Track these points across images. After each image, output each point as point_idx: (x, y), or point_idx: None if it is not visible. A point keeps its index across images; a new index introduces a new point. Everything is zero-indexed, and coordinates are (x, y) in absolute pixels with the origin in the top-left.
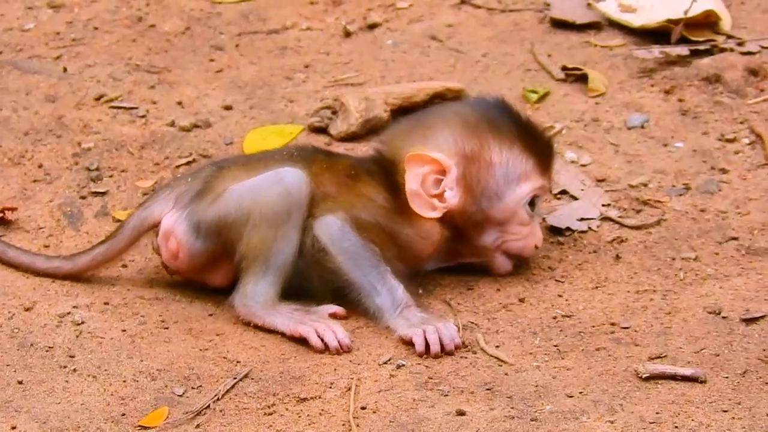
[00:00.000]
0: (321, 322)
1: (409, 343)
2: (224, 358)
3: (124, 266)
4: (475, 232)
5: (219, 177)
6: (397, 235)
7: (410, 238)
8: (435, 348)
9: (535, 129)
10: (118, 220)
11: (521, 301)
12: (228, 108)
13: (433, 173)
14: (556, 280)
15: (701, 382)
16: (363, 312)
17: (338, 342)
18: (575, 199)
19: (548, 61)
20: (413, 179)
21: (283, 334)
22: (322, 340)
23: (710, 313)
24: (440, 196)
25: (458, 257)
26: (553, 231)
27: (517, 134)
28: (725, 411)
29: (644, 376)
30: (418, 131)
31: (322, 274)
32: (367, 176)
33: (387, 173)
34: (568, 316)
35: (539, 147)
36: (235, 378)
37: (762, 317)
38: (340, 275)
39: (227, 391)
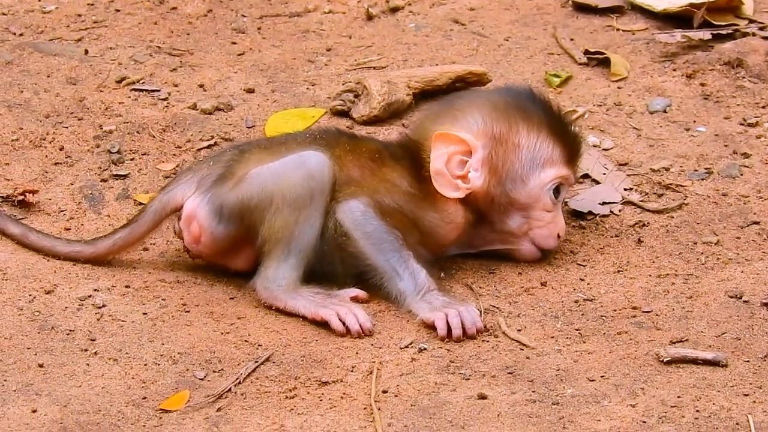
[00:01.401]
0: (343, 306)
1: (431, 327)
2: (245, 341)
3: (145, 249)
4: (498, 216)
5: (241, 160)
6: (420, 220)
7: (433, 222)
8: (457, 332)
9: (564, 119)
10: (140, 203)
11: (543, 284)
12: (250, 91)
13: (459, 153)
14: (578, 264)
15: (722, 366)
16: (385, 296)
17: (360, 326)
18: (597, 183)
19: (571, 45)
20: (438, 158)
21: (304, 318)
22: (344, 323)
23: (731, 297)
24: (464, 177)
25: (482, 244)
26: (575, 215)
27: (546, 121)
28: (746, 395)
29: (665, 360)
30: (448, 113)
31: (344, 258)
32: (391, 160)
33: (412, 157)
34: (589, 300)
35: (567, 136)
36: (256, 361)
37: None
38: (362, 260)
39: (248, 375)
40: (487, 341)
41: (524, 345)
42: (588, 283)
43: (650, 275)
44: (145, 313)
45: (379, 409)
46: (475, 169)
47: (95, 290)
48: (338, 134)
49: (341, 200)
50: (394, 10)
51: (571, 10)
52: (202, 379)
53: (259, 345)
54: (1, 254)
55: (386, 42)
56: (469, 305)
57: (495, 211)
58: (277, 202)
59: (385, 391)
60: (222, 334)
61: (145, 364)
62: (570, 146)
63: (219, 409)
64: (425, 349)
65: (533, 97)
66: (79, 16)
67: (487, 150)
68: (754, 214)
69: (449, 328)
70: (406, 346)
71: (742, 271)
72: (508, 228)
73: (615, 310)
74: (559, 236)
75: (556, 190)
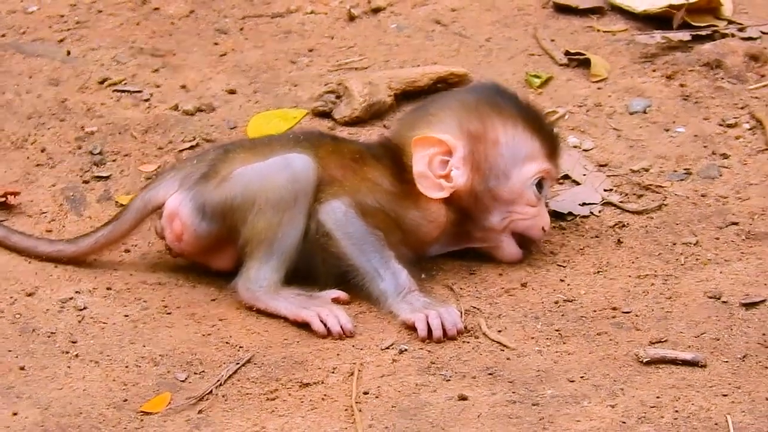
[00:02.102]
0: (324, 307)
1: (411, 328)
2: (227, 343)
3: (127, 251)
4: (482, 213)
5: (225, 160)
6: (402, 220)
7: (416, 221)
8: (437, 333)
9: (537, 113)
10: (122, 205)
11: (523, 285)
12: (232, 92)
13: (440, 154)
14: (558, 265)
15: (701, 366)
16: (366, 297)
17: (341, 327)
18: (577, 184)
19: (551, 45)
20: (420, 161)
21: (285, 319)
22: (325, 325)
23: (710, 297)
24: (447, 177)
25: (464, 242)
26: (556, 216)
27: (520, 115)
28: (725, 395)
29: (645, 360)
30: (423, 118)
31: (326, 258)
32: (373, 161)
33: (393, 158)
34: (569, 301)
35: (543, 130)
36: (237, 363)
37: (762, 302)
38: (344, 260)
39: (230, 377)
40: (468, 342)
41: (504, 346)
42: (568, 284)
43: (630, 276)
44: (127, 315)
45: (360, 411)
46: (457, 167)
47: (76, 292)
48: (321, 136)
49: (323, 201)
50: (376, 10)
51: (552, 11)
52: (183, 381)
53: (240, 347)
54: None
55: (368, 43)
56: (450, 306)
57: (478, 208)
58: (261, 203)
59: (366, 393)
60: (203, 335)
61: (126, 367)
62: (548, 140)
63: (200, 411)
64: (406, 350)
65: (502, 92)
66: (62, 17)
67: (467, 148)
68: (733, 214)
69: (430, 329)
70: (387, 348)
71: (721, 272)
72: (490, 224)
73: (595, 311)
74: (543, 229)
75: (539, 185)
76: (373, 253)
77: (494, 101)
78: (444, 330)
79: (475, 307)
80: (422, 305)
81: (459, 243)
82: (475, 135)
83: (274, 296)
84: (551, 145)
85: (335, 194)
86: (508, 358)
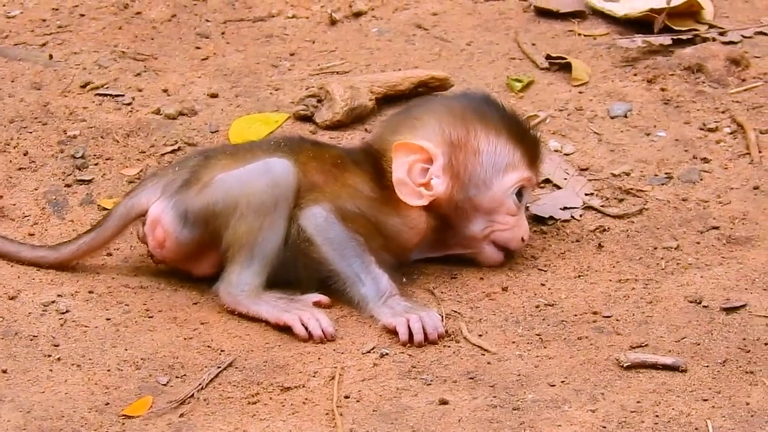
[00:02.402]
0: (305, 311)
1: (392, 332)
2: (208, 347)
3: (109, 255)
4: (462, 221)
5: (206, 166)
6: (383, 225)
7: (396, 228)
8: (418, 337)
9: (522, 122)
10: (104, 209)
11: (504, 290)
12: (214, 96)
13: (420, 162)
14: (539, 269)
15: (682, 371)
16: (347, 301)
17: (322, 330)
18: (558, 188)
19: (532, 49)
20: (400, 167)
21: (267, 323)
22: (306, 328)
23: (691, 302)
24: (427, 185)
25: (445, 248)
26: (536, 220)
27: (503, 124)
28: (705, 400)
29: (625, 365)
30: (405, 122)
31: (307, 263)
32: (353, 166)
33: (374, 163)
34: (550, 305)
35: (526, 139)
36: (219, 367)
37: (742, 306)
38: (325, 265)
39: (211, 380)
40: (449, 346)
41: (485, 350)
42: (549, 288)
43: (610, 280)
44: (109, 319)
45: (341, 415)
46: (437, 176)
47: (59, 296)
48: (301, 141)
49: (304, 206)
50: (357, 15)
51: (533, 15)
52: (164, 385)
53: (221, 350)
54: None
55: (349, 47)
56: (431, 310)
57: (458, 216)
58: (242, 208)
59: (347, 397)
60: (185, 339)
61: (108, 370)
62: (530, 149)
63: (182, 415)
64: (387, 354)
65: (489, 101)
66: (44, 20)
67: (447, 156)
68: (714, 219)
69: (411, 334)
70: (368, 352)
71: (701, 276)
72: (471, 233)
73: (575, 315)
74: (523, 239)
75: (519, 194)
76: (354, 257)
77: (480, 110)
78: (425, 334)
79: (455, 311)
80: (403, 309)
81: (440, 249)
82: (456, 143)
83: (256, 300)
84: (533, 153)
85: (316, 200)
86: (488, 363)
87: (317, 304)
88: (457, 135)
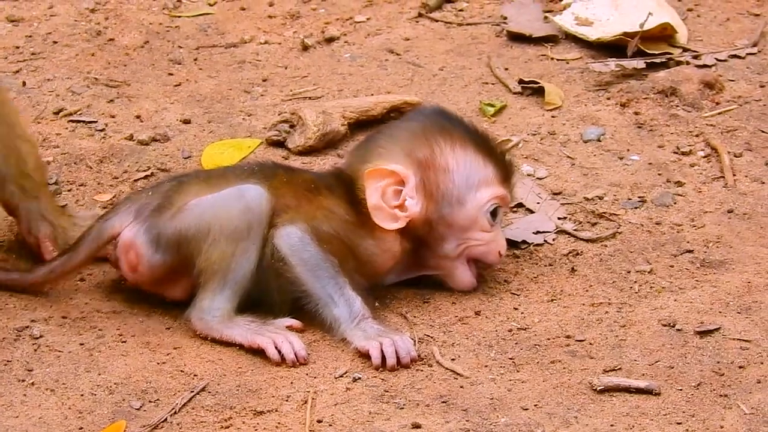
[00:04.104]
0: (279, 334)
1: (365, 356)
2: (181, 371)
3: (82, 280)
4: (436, 240)
5: (180, 191)
6: (356, 248)
7: (370, 251)
8: (391, 361)
9: (487, 136)
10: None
11: (477, 314)
12: (186, 122)
13: (393, 185)
14: (512, 293)
15: (655, 394)
16: (320, 323)
17: (295, 354)
18: (531, 212)
19: (505, 74)
20: (374, 193)
21: (241, 346)
22: (280, 351)
23: (665, 325)
24: (402, 207)
25: (419, 269)
26: (510, 244)
27: (468, 139)
28: (679, 423)
29: (599, 388)
30: (372, 150)
31: (280, 284)
32: (327, 191)
33: (347, 189)
34: (523, 329)
35: (494, 155)
36: (192, 391)
37: (716, 330)
38: (298, 285)
39: (184, 405)
40: (422, 370)
41: (458, 374)
42: (522, 312)
43: (584, 304)
44: (82, 344)
45: None
46: (411, 196)
47: (32, 321)
48: (275, 166)
49: (279, 225)
50: (330, 40)
51: (506, 40)
52: (138, 409)
53: (194, 375)
54: None
55: (322, 72)
56: (404, 334)
57: (433, 236)
58: (215, 234)
59: (320, 421)
60: (158, 364)
61: (82, 395)
62: (502, 166)
63: None
64: (360, 378)
65: (447, 116)
66: (17, 48)
67: (418, 176)
68: (688, 242)
69: (383, 358)
70: (341, 376)
71: (675, 300)
72: (444, 252)
73: (548, 339)
74: (500, 254)
75: (494, 213)
76: (328, 279)
77: (440, 125)
78: (398, 358)
79: (428, 336)
80: (376, 333)
81: (414, 271)
82: (424, 162)
83: (229, 324)
84: (504, 171)
85: (291, 219)
86: (461, 387)
87: (290, 328)
88: (423, 154)
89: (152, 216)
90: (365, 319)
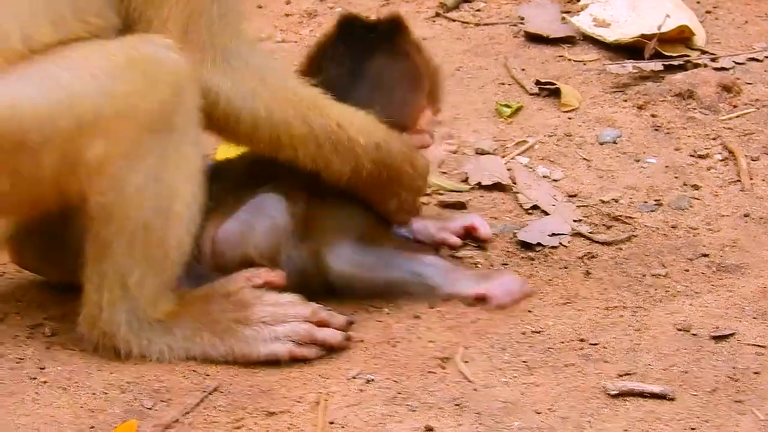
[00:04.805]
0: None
1: (481, 300)
2: (193, 371)
3: None
4: None
5: None
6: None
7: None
8: (509, 298)
9: None
10: None
11: (490, 316)
12: None
13: None
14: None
15: (670, 399)
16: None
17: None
18: (546, 214)
19: (522, 75)
20: None
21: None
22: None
23: (680, 330)
24: None
25: None
26: (524, 246)
27: None
28: (693, 429)
29: (613, 393)
30: None
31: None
32: None
33: None
34: (537, 332)
35: None
36: (204, 391)
37: (731, 335)
38: (376, 286)
39: (196, 405)
40: (434, 373)
41: (471, 377)
42: (536, 315)
43: (598, 307)
44: None
45: None
46: None
47: (45, 319)
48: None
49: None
50: None
51: (523, 41)
52: (149, 409)
53: (206, 375)
54: None
55: None
56: (505, 274)
57: None
58: None
59: (331, 422)
60: (170, 363)
61: (94, 393)
62: None
63: None
64: (372, 380)
65: None
66: None
67: None
68: (704, 246)
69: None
70: (354, 377)
71: (690, 304)
72: None
73: (562, 342)
74: None
75: None
76: (399, 260)
77: None
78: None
79: (442, 337)
80: (480, 277)
81: None
82: None
83: None
84: None
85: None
86: (474, 390)
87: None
88: None
89: None
90: (454, 269)
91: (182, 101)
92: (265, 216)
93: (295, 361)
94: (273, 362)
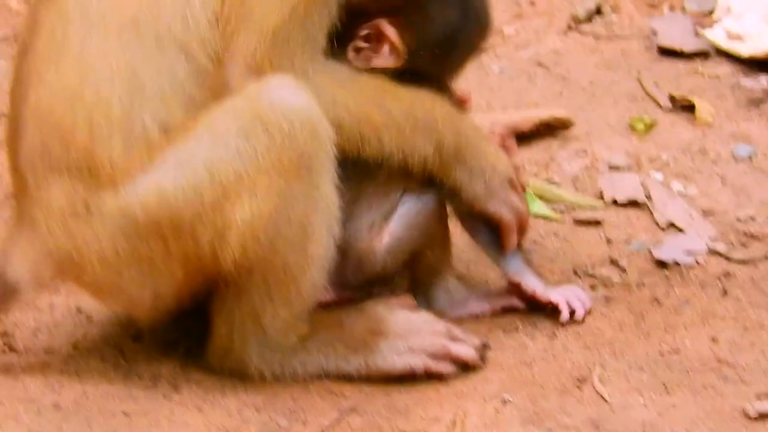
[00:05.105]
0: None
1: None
2: (329, 391)
3: None
4: None
5: None
6: None
7: None
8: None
9: None
10: None
11: (627, 336)
12: None
13: None
14: (663, 315)
15: None
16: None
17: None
18: (681, 231)
19: (655, 89)
20: None
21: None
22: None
23: None
24: None
25: None
26: (660, 264)
27: None
28: None
29: (752, 415)
30: None
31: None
32: None
33: None
34: (674, 352)
35: None
36: (339, 411)
37: None
38: None
39: (333, 425)
40: (571, 393)
41: (608, 397)
42: (672, 335)
43: (736, 327)
44: None
45: None
46: None
47: (179, 337)
48: None
49: None
50: None
51: (656, 55)
52: (285, 429)
53: (342, 394)
54: (88, 301)
55: (470, 86)
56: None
57: None
58: None
59: None
60: (305, 383)
61: (229, 413)
62: None
63: None
64: (510, 401)
65: None
66: None
67: None
68: None
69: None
70: (491, 398)
71: None
72: None
73: (700, 363)
74: None
75: None
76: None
77: None
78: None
79: (580, 358)
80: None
81: None
82: None
83: None
84: None
85: None
86: (612, 410)
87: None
88: None
89: None
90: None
91: (319, 140)
92: (413, 229)
93: (430, 378)
94: (408, 379)
